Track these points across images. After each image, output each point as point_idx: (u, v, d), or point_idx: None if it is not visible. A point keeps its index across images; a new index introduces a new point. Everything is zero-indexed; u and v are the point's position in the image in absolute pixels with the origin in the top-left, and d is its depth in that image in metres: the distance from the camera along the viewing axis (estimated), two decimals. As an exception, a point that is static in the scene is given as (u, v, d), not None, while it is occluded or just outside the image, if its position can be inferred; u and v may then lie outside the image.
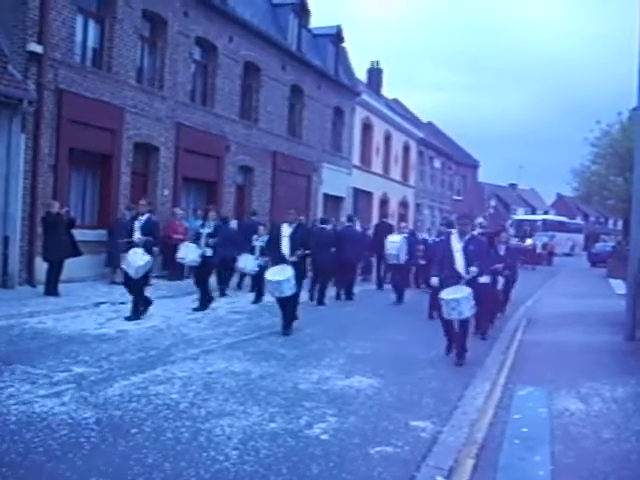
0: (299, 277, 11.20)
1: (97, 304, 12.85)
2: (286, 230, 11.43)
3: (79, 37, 16.59)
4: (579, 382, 8.05)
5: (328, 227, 16.91)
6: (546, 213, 72.12)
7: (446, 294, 8.98)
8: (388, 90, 47.04)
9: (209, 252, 13.06)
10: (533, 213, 72.79)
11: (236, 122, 22.57)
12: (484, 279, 10.30)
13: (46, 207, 14.30)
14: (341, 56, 31.24)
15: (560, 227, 58.18)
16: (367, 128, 34.14)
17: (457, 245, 9.30)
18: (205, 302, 13.31)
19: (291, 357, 9.12)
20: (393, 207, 38.50)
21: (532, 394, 7.47)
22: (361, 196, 33.64)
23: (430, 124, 55.02)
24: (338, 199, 30.99)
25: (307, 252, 11.45)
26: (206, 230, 13.33)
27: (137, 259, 11.62)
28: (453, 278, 9.20)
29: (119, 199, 17.39)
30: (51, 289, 13.57)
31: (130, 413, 6.16)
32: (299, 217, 12.34)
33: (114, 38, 17.21)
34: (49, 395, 6.58)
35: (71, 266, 14.31)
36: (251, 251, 15.49)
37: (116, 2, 17.07)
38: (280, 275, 10.87)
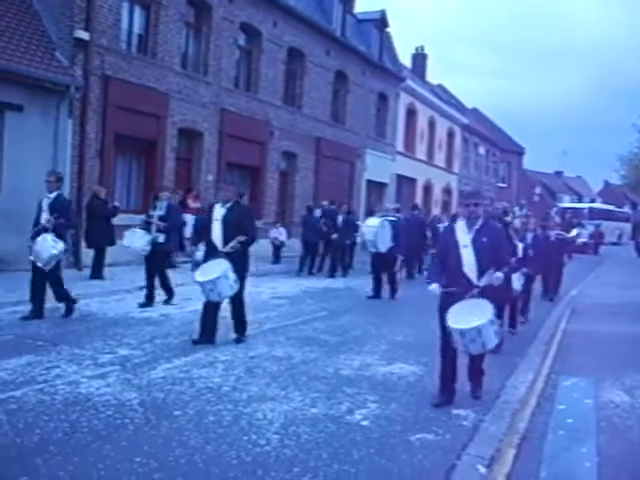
0: (240, 272, 8.46)
1: (141, 288, 12.98)
2: (218, 212, 8.66)
3: (125, 24, 16.76)
4: (624, 373, 7.89)
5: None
6: (593, 201, 70.85)
7: (457, 320, 6.08)
8: (433, 76, 46.66)
9: (161, 238, 11.29)
10: (579, 201, 71.54)
11: (280, 108, 22.58)
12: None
13: (93, 192, 14.50)
14: (385, 41, 30.99)
15: (607, 215, 56.98)
16: (411, 114, 33.88)
17: (464, 238, 6.38)
18: (151, 296, 11.51)
19: (333, 343, 9.12)
20: (437, 194, 38.22)
21: (577, 385, 7.35)
22: (404, 182, 33.46)
23: (475, 110, 54.34)
24: (381, 185, 30.85)
25: (242, 239, 8.45)
26: (157, 213, 11.46)
27: (47, 247, 9.44)
28: (461, 287, 6.27)
29: (163, 184, 17.53)
30: (96, 273, 13.80)
31: (173, 396, 6.23)
32: (235, 194, 8.99)
33: (159, 24, 17.34)
34: (94, 376, 6.69)
35: (116, 250, 14.50)
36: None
37: (161, -12, 17.18)
38: (213, 272, 8.22)
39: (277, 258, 19.93)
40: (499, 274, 6.27)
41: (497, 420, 6.02)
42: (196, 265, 11.07)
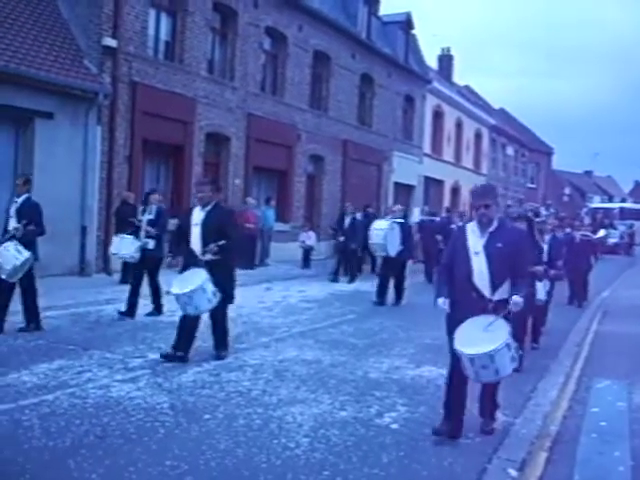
0: (221, 283, 7.59)
1: (169, 292, 13.08)
2: (197, 216, 7.85)
3: (152, 30, 16.91)
4: (658, 375, 7.79)
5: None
6: (623, 201, 69.95)
7: (466, 342, 5.14)
8: (459, 77, 46.42)
9: (151, 244, 10.58)
10: (610, 201, 70.70)
11: (306, 111, 22.61)
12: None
13: (122, 198, 14.64)
14: (411, 43, 30.90)
15: (639, 215, 56.32)
16: (438, 116, 33.74)
17: (476, 243, 5.41)
18: (158, 304, 10.91)
19: (362, 346, 9.11)
20: (465, 196, 37.98)
21: (610, 387, 7.26)
22: (432, 185, 33.33)
23: (502, 110, 54.03)
24: (409, 188, 30.75)
25: (221, 244, 7.53)
26: (146, 217, 10.79)
27: (10, 258, 8.63)
28: (471, 302, 5.36)
29: (192, 189, 17.65)
30: (127, 277, 13.89)
31: (203, 399, 6.26)
32: (215, 194, 8.11)
33: (186, 31, 17.46)
34: (125, 380, 6.75)
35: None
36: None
37: (188, -5, 17.30)
38: (190, 283, 7.41)
39: (307, 262, 19.92)
40: (517, 299, 5.20)
41: (528, 423, 5.96)
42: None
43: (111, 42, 15.05)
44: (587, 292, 15.26)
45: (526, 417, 6.15)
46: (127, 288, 10.85)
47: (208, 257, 7.54)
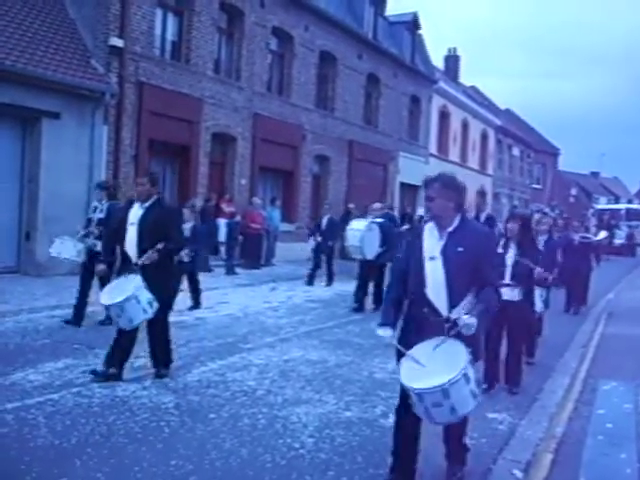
0: (159, 290, 6.56)
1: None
2: (134, 213, 6.78)
3: (158, 30, 16.94)
4: (665, 377, 7.76)
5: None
6: (630, 202, 69.74)
7: (414, 373, 4.04)
8: (466, 77, 46.37)
9: (99, 246, 9.10)
10: (616, 202, 70.50)
11: (312, 111, 22.62)
12: (507, 295, 6.75)
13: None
14: (417, 43, 30.88)
15: (645, 216, 56.12)
16: (444, 116, 33.71)
17: (433, 246, 4.34)
18: (79, 314, 9.54)
19: (367, 346, 9.09)
20: (470, 196, 37.94)
21: (616, 389, 7.24)
22: (438, 185, 33.23)
23: (508, 111, 53.93)
24: (415, 188, 30.68)
25: (161, 247, 6.53)
26: (97, 215, 9.56)
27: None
28: (423, 322, 4.29)
29: (197, 189, 17.68)
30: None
31: (208, 399, 6.27)
32: (154, 189, 6.85)
33: (192, 30, 17.49)
34: (131, 380, 6.75)
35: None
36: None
37: (194, -5, 17.33)
38: (122, 292, 6.43)
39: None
40: (468, 320, 3.99)
41: (534, 424, 5.95)
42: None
43: (118, 42, 15.09)
44: (587, 297, 14.45)
45: (531, 418, 6.14)
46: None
47: (144, 261, 6.53)
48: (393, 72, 27.75)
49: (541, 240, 9.84)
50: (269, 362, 7.90)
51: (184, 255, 10.20)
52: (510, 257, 7.03)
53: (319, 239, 15.92)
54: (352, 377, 7.38)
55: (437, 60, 37.86)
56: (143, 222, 6.64)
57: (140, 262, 6.53)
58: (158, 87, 16.36)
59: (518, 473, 4.81)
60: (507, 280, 6.92)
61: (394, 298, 4.49)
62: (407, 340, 4.25)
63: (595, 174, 78.91)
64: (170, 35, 17.49)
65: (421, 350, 4.09)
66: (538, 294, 8.04)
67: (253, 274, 17.15)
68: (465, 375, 3.92)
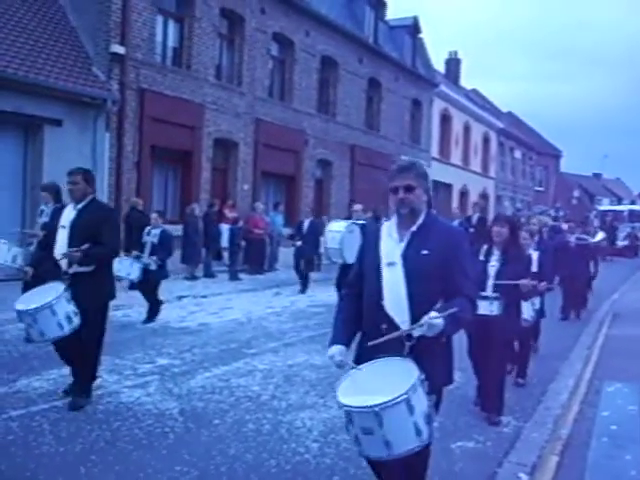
0: (87, 303, 5.78)
1: (179, 297, 13.11)
2: (67, 215, 6.07)
3: (159, 37, 17.00)
4: (669, 378, 7.74)
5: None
6: (633, 203, 69.64)
7: (352, 389, 3.34)
8: (467, 80, 46.40)
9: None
10: (619, 203, 70.40)
11: (314, 116, 22.64)
12: (484, 308, 5.87)
13: (131, 204, 14.69)
14: (418, 47, 30.92)
15: (648, 217, 56.01)
16: (446, 119, 33.72)
17: (392, 249, 3.62)
18: None
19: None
20: (473, 199, 37.93)
21: (620, 390, 7.22)
22: (440, 188, 33.24)
23: (510, 114, 53.93)
24: (417, 192, 30.69)
25: (86, 248, 5.69)
26: (42, 220, 8.55)
27: None
28: (381, 337, 3.44)
29: (200, 194, 17.70)
30: (134, 284, 13.90)
31: (212, 404, 6.26)
32: (87, 188, 6.17)
33: (193, 37, 17.53)
34: (135, 386, 6.75)
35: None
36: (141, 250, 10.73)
37: (194, 1, 17.39)
38: (39, 300, 5.65)
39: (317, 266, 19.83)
40: (435, 320, 3.25)
41: (539, 427, 5.93)
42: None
43: (119, 49, 15.13)
44: (586, 301, 13.86)
45: (536, 421, 6.12)
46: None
47: (73, 269, 5.78)
48: (394, 76, 27.78)
49: (532, 243, 9.00)
50: (273, 367, 7.90)
51: (152, 263, 10.36)
52: (493, 265, 6.12)
53: (299, 243, 15.32)
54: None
55: (438, 63, 37.94)
56: (75, 225, 5.90)
57: (72, 270, 5.78)
58: (159, 93, 16.39)
59: (524, 476, 4.80)
60: (489, 292, 6.04)
61: (345, 318, 3.75)
62: (363, 361, 3.50)
63: (597, 176, 78.82)
64: (171, 42, 17.53)
65: (372, 367, 3.40)
66: (529, 302, 7.08)
67: (256, 279, 17.14)
68: (408, 403, 3.13)
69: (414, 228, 3.57)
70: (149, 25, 16.20)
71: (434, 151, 32.19)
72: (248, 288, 15.49)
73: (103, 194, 14.88)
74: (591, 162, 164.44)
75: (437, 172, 32.23)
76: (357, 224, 11.57)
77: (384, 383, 3.24)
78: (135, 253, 10.58)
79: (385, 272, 3.55)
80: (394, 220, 3.66)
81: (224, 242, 17.64)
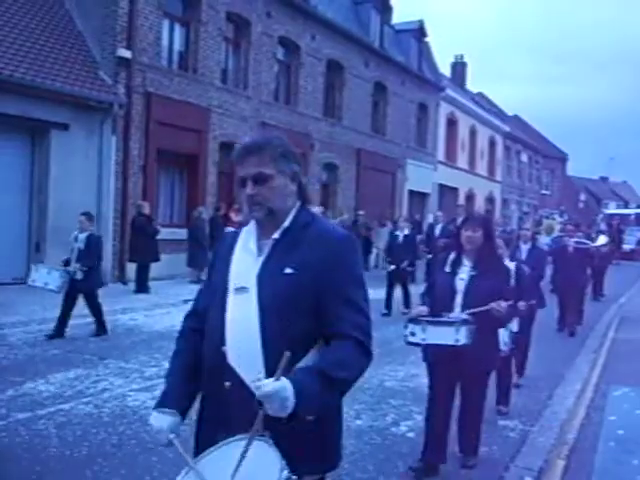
0: None
1: (185, 301, 13.10)
2: None
3: (165, 41, 17.01)
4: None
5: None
6: (639, 207, 69.49)
7: None
8: (473, 84, 46.38)
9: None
10: (625, 207, 70.25)
11: (320, 120, 22.65)
12: (448, 337, 4.54)
13: (137, 208, 14.72)
14: (424, 51, 30.93)
15: (655, 221, 55.82)
16: (452, 123, 33.71)
17: (246, 268, 2.38)
18: None
19: (377, 354, 8.94)
20: (479, 203, 37.90)
21: (627, 395, 7.19)
22: (446, 192, 33.24)
23: (516, 117, 53.91)
24: (423, 195, 30.71)
25: None
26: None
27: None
28: (229, 406, 2.32)
29: (206, 198, 17.72)
30: (141, 287, 13.96)
31: (218, 408, 6.25)
32: None
33: (199, 41, 17.56)
34: (141, 389, 6.76)
35: (161, 264, 14.70)
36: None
37: (200, 5, 17.41)
38: None
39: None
40: (267, 387, 2.02)
41: (545, 431, 5.92)
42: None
43: (125, 53, 15.17)
44: (582, 314, 12.60)
45: (543, 425, 6.11)
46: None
47: None
48: (400, 80, 27.78)
49: (524, 249, 8.59)
50: (279, 371, 7.88)
51: (77, 271, 9.31)
52: (462, 279, 4.78)
53: None
54: (362, 385, 7.34)
55: (444, 67, 37.94)
56: None
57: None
58: (166, 97, 16.42)
59: (530, 480, 4.79)
60: (457, 313, 4.69)
61: (184, 366, 2.55)
62: (204, 437, 2.44)
63: (604, 179, 78.68)
64: (177, 45, 17.58)
65: (214, 463, 2.17)
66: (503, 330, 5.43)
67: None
68: None
69: (276, 235, 2.35)
70: (155, 29, 16.24)
71: (440, 155, 32.18)
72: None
73: (109, 198, 14.95)
74: (597, 165, 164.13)
75: (443, 176, 32.25)
76: None
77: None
78: (64, 259, 9.64)
79: (232, 302, 2.34)
80: (253, 224, 2.46)
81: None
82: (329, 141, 23.13)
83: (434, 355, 4.78)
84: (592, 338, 11.06)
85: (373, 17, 26.34)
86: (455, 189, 34.43)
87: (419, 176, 29.39)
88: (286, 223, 2.38)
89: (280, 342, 2.20)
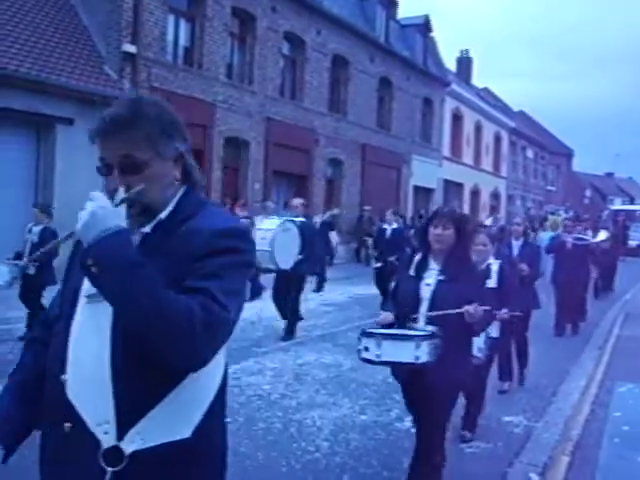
0: None
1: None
2: None
3: (170, 36, 17.02)
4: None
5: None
6: (645, 203, 69.22)
7: None
8: (478, 79, 46.29)
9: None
10: (631, 203, 70.02)
11: (325, 115, 22.64)
12: (406, 354, 3.75)
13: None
14: (430, 46, 30.86)
15: (661, 217, 55.65)
16: (457, 119, 33.65)
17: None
18: None
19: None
20: (484, 198, 37.85)
21: (632, 391, 7.18)
22: (451, 188, 33.22)
23: (522, 113, 53.81)
24: (428, 191, 30.67)
25: None
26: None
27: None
28: (68, 458, 1.76)
29: (211, 194, 17.71)
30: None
31: (223, 403, 6.26)
32: None
33: (204, 36, 17.55)
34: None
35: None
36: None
37: (206, 0, 17.41)
38: None
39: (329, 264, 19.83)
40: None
41: (550, 427, 5.91)
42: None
43: (130, 48, 15.18)
44: (585, 312, 12.24)
45: (547, 421, 6.09)
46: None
47: None
48: (405, 75, 27.73)
49: (516, 245, 8.12)
50: (283, 366, 7.90)
51: (29, 266, 8.59)
52: (429, 284, 4.04)
53: None
54: (367, 380, 7.35)
55: (449, 62, 37.89)
56: None
57: None
58: (171, 92, 16.40)
59: (535, 476, 4.78)
60: (421, 324, 3.99)
61: (22, 383, 1.98)
62: None
63: (610, 175, 78.40)
64: (182, 40, 17.57)
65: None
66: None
67: (267, 278, 17.12)
68: None
69: (147, 229, 1.84)
70: (160, 24, 16.24)
71: (445, 150, 32.14)
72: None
73: (114, 193, 14.95)
74: (604, 161, 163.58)
75: (448, 171, 32.21)
76: (295, 222, 9.44)
77: None
78: (16, 252, 9.03)
79: (80, 313, 1.80)
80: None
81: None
82: (334, 136, 23.11)
83: (396, 375, 4.18)
84: (597, 335, 11.02)
85: (379, 12, 26.30)
86: (460, 185, 34.39)
87: (424, 171, 29.35)
88: (162, 215, 1.84)
89: (136, 371, 1.66)
